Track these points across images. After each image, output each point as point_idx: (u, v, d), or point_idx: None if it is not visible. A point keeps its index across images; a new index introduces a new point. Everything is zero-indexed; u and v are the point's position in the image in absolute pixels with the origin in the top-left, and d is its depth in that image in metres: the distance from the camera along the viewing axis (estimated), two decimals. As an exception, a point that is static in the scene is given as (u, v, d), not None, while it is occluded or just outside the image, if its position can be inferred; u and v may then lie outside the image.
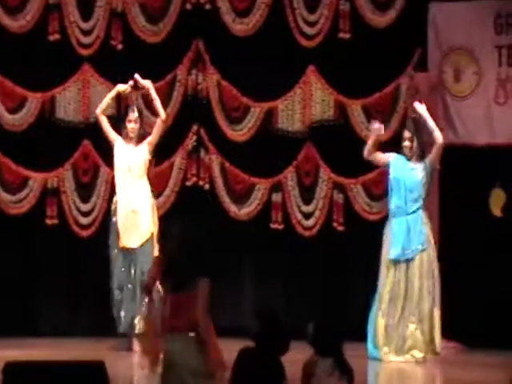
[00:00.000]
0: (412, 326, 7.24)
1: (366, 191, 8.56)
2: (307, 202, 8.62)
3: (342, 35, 8.50)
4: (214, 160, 8.71)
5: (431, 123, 7.47)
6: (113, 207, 7.80)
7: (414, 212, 7.41)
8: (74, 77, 8.70)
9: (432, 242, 7.48)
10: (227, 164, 8.69)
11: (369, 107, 8.52)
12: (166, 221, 4.61)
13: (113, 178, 7.98)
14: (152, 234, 7.58)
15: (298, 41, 8.59)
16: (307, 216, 8.63)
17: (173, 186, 8.70)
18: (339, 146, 8.55)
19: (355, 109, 8.53)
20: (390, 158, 7.54)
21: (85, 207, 8.65)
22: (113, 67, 8.70)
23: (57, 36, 8.66)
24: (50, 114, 8.70)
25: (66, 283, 8.79)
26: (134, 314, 7.49)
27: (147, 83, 7.86)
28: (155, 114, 7.84)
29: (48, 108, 8.69)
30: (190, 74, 8.68)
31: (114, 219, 7.71)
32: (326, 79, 8.58)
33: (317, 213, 8.60)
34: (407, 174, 7.45)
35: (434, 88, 8.43)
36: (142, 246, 7.56)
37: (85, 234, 8.63)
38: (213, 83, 8.68)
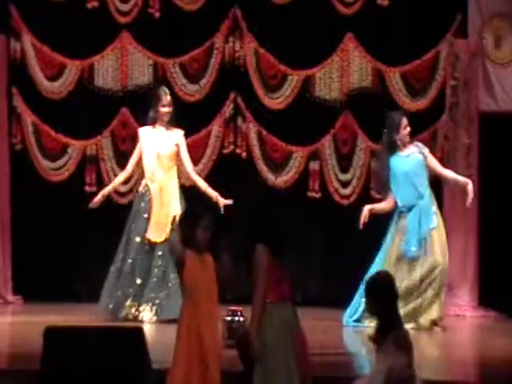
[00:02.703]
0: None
1: (404, 159, 8.50)
2: (345, 170, 8.59)
3: (380, 2, 8.41)
4: (252, 128, 8.70)
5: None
6: (142, 190, 7.51)
7: (424, 196, 7.27)
8: (112, 45, 8.72)
9: (440, 219, 7.32)
10: (264, 132, 8.68)
11: (407, 75, 8.44)
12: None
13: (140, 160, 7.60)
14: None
15: (337, 8, 8.52)
16: (344, 184, 8.60)
17: (210, 154, 8.72)
18: (377, 115, 8.47)
19: (393, 77, 8.46)
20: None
21: (123, 175, 8.68)
22: (151, 35, 8.71)
23: (95, 3, 8.67)
24: (88, 81, 8.74)
25: (106, 250, 8.87)
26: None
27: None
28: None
29: (87, 76, 8.73)
30: (228, 42, 8.65)
31: (142, 204, 7.42)
32: (364, 47, 8.51)
33: (354, 181, 8.58)
34: (405, 162, 7.30)
35: (475, 55, 8.33)
36: (165, 239, 7.19)
37: (123, 201, 8.69)
38: (250, 51, 8.64)
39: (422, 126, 8.43)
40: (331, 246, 8.68)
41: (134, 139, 8.74)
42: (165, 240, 7.17)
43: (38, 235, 8.72)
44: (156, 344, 4.74)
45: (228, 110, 8.70)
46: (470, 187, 7.24)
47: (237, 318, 6.11)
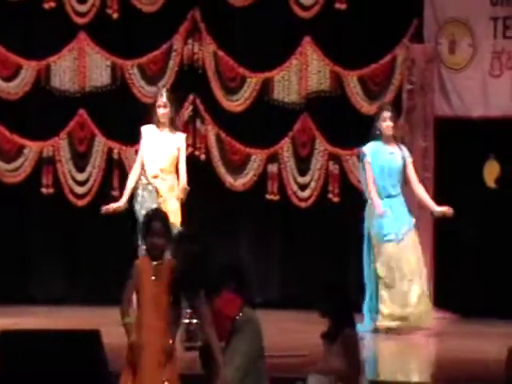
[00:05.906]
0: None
1: (362, 162, 8.57)
2: (303, 173, 8.64)
3: (338, 6, 8.47)
4: (210, 130, 8.70)
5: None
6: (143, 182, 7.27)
7: (395, 196, 7.31)
8: (69, 45, 8.67)
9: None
10: (223, 134, 8.69)
11: (365, 78, 8.51)
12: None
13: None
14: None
15: (295, 11, 8.56)
16: (303, 187, 8.65)
17: (169, 156, 8.69)
18: (335, 117, 8.55)
19: (351, 80, 8.53)
20: (368, 156, 7.26)
21: (80, 176, 8.65)
22: (109, 36, 8.67)
23: (52, 4, 8.61)
24: (45, 82, 8.68)
25: (62, 252, 8.82)
26: None
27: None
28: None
29: (43, 77, 8.67)
30: (187, 44, 8.65)
31: (145, 194, 7.23)
32: (322, 50, 8.56)
33: (312, 184, 8.62)
34: (387, 158, 7.31)
35: (430, 60, 8.42)
36: None
37: (80, 203, 8.65)
38: (209, 53, 8.65)
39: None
40: (289, 249, 8.71)
41: (92, 141, 8.73)
42: None
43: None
44: (114, 346, 4.72)
45: (187, 112, 8.69)
46: (438, 209, 7.34)
47: (194, 321, 6.11)
